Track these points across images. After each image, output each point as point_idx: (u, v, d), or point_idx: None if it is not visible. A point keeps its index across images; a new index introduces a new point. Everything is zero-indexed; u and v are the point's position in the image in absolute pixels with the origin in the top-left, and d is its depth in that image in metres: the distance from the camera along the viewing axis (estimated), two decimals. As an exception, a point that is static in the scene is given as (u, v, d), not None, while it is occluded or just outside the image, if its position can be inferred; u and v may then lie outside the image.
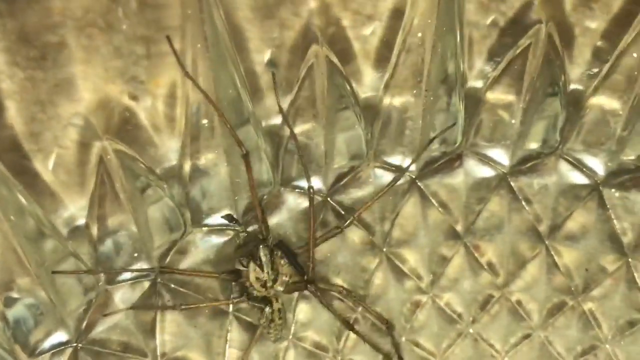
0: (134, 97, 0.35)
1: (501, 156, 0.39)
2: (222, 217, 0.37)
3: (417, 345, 0.40)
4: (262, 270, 0.36)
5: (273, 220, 0.39)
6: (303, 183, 0.38)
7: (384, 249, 0.40)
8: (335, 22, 0.36)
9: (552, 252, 0.40)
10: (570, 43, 0.37)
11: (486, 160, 0.40)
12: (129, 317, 0.38)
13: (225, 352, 0.39)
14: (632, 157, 0.39)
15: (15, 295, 0.35)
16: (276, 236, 0.38)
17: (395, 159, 0.39)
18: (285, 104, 0.37)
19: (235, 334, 0.39)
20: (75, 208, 0.36)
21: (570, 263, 0.40)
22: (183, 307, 0.37)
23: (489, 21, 0.37)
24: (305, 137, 0.38)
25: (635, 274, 0.40)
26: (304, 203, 0.39)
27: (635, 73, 0.36)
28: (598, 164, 0.39)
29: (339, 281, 0.40)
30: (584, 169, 0.40)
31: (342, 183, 0.39)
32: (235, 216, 0.37)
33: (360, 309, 0.40)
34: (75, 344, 0.37)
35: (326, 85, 0.36)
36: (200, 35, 0.32)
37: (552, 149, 0.39)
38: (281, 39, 0.35)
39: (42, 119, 0.34)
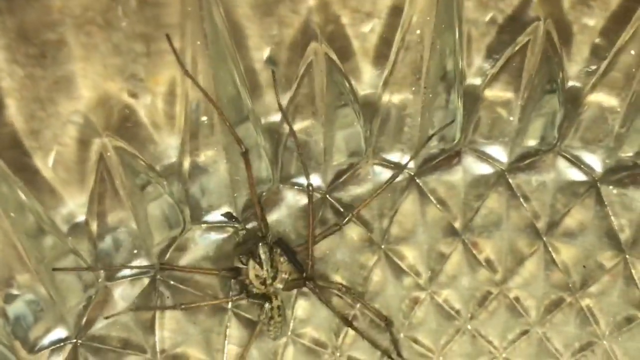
0: (133, 95, 0.35)
1: (499, 153, 0.40)
2: (222, 215, 0.37)
3: (416, 341, 0.40)
4: (262, 268, 0.37)
5: (272, 217, 0.39)
6: (302, 180, 0.38)
7: (383, 246, 0.40)
8: (334, 19, 0.36)
9: (550, 249, 0.40)
10: (568, 40, 0.37)
11: (484, 157, 0.40)
12: (129, 313, 0.38)
13: (224, 348, 0.39)
14: (630, 154, 0.39)
15: (15, 291, 0.35)
16: (275, 234, 0.38)
17: (394, 156, 0.39)
18: (284, 101, 0.37)
19: (234, 330, 0.39)
20: (75, 205, 0.36)
21: (568, 260, 0.40)
22: (183, 306, 0.37)
23: (487, 18, 0.37)
24: (305, 134, 0.38)
25: (633, 271, 0.40)
26: (303, 200, 0.39)
27: (633, 70, 0.36)
28: (596, 161, 0.39)
29: (337, 278, 0.40)
30: (582, 166, 0.40)
31: (341, 180, 0.39)
32: (234, 214, 0.37)
33: (358, 305, 0.40)
34: (74, 340, 0.37)
35: (325, 82, 0.36)
36: (199, 32, 0.32)
37: (550, 146, 0.39)
38: (280, 37, 0.35)
39: (42, 117, 0.34)
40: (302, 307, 0.40)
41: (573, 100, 0.38)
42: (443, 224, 0.40)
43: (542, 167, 0.40)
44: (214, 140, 0.36)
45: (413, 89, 0.37)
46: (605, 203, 0.40)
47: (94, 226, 0.36)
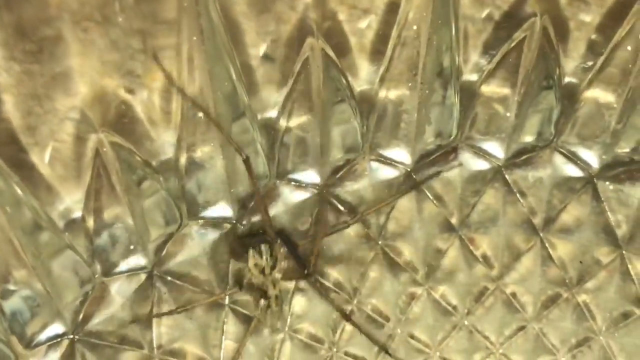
0: (130, 91, 0.35)
1: (496, 149, 0.40)
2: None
3: (412, 337, 0.41)
4: (261, 257, 0.37)
5: (269, 213, 0.39)
6: (298, 176, 0.39)
7: (380, 242, 0.40)
8: (331, 15, 0.36)
9: (547, 245, 0.40)
10: (565, 36, 0.37)
11: (481, 153, 0.40)
12: (126, 309, 0.38)
13: (221, 344, 0.39)
14: (627, 150, 0.39)
15: (11, 287, 0.36)
16: (277, 225, 0.38)
17: (391, 152, 0.39)
18: (281, 98, 0.37)
19: (231, 326, 0.39)
20: (71, 200, 0.36)
21: (564, 255, 0.40)
22: (179, 309, 0.37)
23: (484, 14, 0.37)
24: (301, 130, 0.38)
25: (630, 266, 0.40)
26: (300, 196, 0.39)
27: (630, 66, 0.37)
28: (592, 157, 0.40)
29: (334, 274, 0.40)
30: (579, 162, 0.40)
31: (337, 176, 0.39)
32: None
33: (355, 301, 0.40)
34: (71, 336, 0.37)
35: (322, 78, 0.36)
36: (196, 28, 0.32)
37: (546, 142, 0.40)
38: (277, 33, 0.36)
39: (39, 113, 0.34)
40: (299, 302, 0.40)
41: (570, 97, 0.38)
42: (440, 219, 0.40)
43: (538, 163, 0.40)
44: (210, 136, 0.36)
45: (410, 85, 0.37)
46: (602, 199, 0.40)
47: (90, 222, 0.36)
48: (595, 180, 0.40)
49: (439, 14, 0.35)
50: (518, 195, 0.40)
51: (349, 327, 0.40)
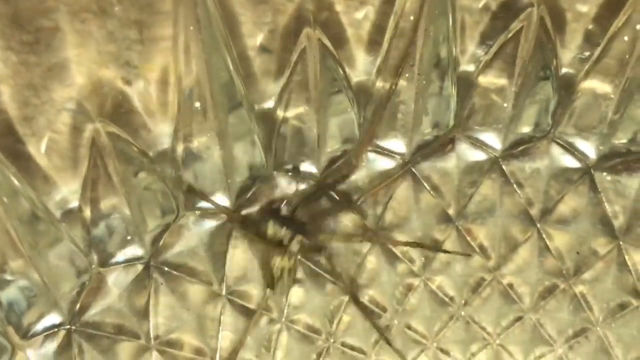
0: (127, 82, 0.35)
1: (493, 140, 0.40)
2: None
3: (409, 327, 0.41)
4: (280, 228, 0.37)
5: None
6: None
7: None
8: (327, 6, 0.36)
9: (544, 236, 0.41)
10: (562, 27, 0.37)
11: (478, 144, 0.40)
12: (123, 300, 0.38)
13: (218, 335, 0.40)
14: (624, 141, 0.40)
15: (8, 277, 0.36)
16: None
17: (388, 143, 0.40)
18: (278, 88, 0.37)
19: (228, 317, 0.40)
20: (68, 191, 0.36)
21: (561, 246, 0.41)
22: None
23: (481, 5, 0.37)
24: (298, 121, 0.38)
25: (626, 257, 0.40)
26: (297, 187, 0.39)
27: (627, 57, 0.37)
28: (589, 148, 0.40)
29: (331, 265, 0.40)
30: (576, 153, 0.40)
31: (334, 167, 0.40)
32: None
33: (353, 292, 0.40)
34: (68, 326, 0.38)
35: (319, 69, 0.36)
36: (192, 17, 0.32)
37: (544, 132, 0.40)
38: (274, 23, 0.36)
39: (36, 103, 0.35)
40: (296, 293, 0.40)
41: (567, 87, 0.39)
42: (437, 210, 0.41)
43: (535, 154, 0.40)
44: (207, 126, 0.36)
45: (407, 75, 0.37)
46: (599, 190, 0.40)
47: (87, 212, 0.37)
48: (592, 171, 0.40)
49: (435, 4, 0.35)
50: (515, 186, 0.40)
51: (345, 318, 0.40)
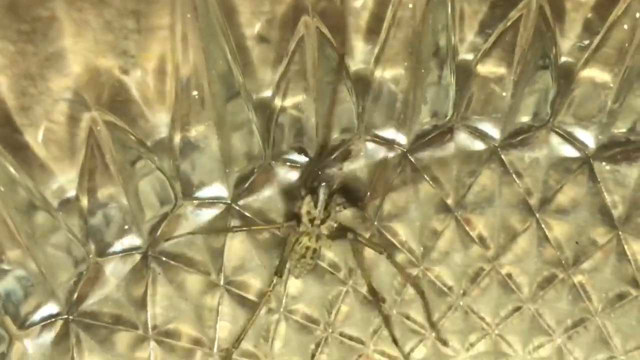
0: (124, 71, 0.35)
1: (492, 129, 0.40)
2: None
3: (408, 318, 0.41)
4: (315, 207, 0.38)
5: (263, 194, 0.40)
6: (293, 156, 0.39)
7: (375, 223, 0.41)
8: (326, -5, 0.36)
9: (543, 225, 0.41)
10: (561, 15, 0.38)
11: (477, 133, 0.40)
12: (120, 289, 0.39)
13: (216, 325, 0.40)
14: (623, 130, 0.40)
15: (5, 267, 0.36)
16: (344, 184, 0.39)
17: (387, 133, 0.40)
18: (276, 77, 0.37)
19: (226, 307, 0.40)
20: (65, 180, 0.36)
21: (560, 236, 0.41)
22: (235, 229, 0.38)
23: (479, -7, 0.38)
24: (296, 110, 0.38)
25: (626, 247, 0.41)
26: (295, 176, 0.40)
27: (626, 45, 0.37)
28: (589, 137, 0.40)
29: (329, 255, 0.40)
30: (575, 142, 0.40)
31: (333, 157, 0.40)
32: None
33: (351, 282, 0.41)
34: (66, 316, 0.38)
35: (317, 57, 0.36)
36: (190, 6, 0.33)
37: (543, 122, 0.40)
38: (272, 12, 0.36)
39: (33, 93, 0.35)
40: (295, 284, 0.41)
41: (566, 76, 0.39)
42: (436, 200, 0.41)
43: (534, 144, 0.40)
44: (205, 115, 0.36)
45: (405, 64, 0.38)
46: (598, 179, 0.40)
47: (84, 202, 0.37)
48: (591, 160, 0.40)
49: (435, -7, 0.35)
50: (514, 175, 0.41)
51: (344, 308, 0.41)
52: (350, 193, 0.39)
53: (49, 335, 0.38)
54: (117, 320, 0.39)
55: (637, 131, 0.40)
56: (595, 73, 0.39)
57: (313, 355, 0.41)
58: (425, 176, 0.41)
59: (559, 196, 0.41)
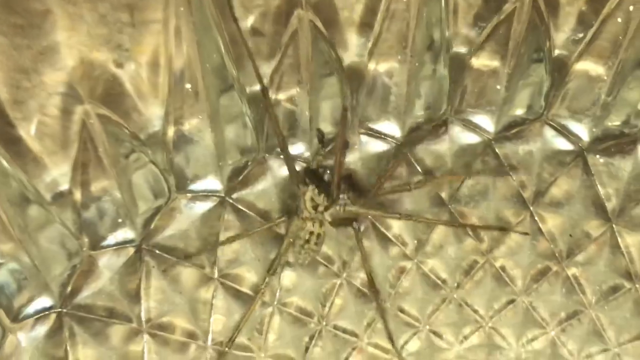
0: (119, 65, 0.36)
1: (486, 122, 0.41)
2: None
3: (402, 311, 0.42)
4: (319, 194, 0.38)
5: (257, 187, 0.40)
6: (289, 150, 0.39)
7: (369, 216, 0.41)
8: (319, -12, 0.36)
9: (537, 218, 0.41)
10: (555, 8, 0.38)
11: (471, 126, 0.41)
12: (114, 283, 0.39)
13: (210, 318, 0.40)
14: (617, 123, 0.40)
15: (-1, 260, 0.36)
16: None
17: (381, 126, 0.40)
18: (269, 70, 0.38)
19: (220, 300, 0.40)
20: (58, 173, 0.37)
21: (554, 229, 0.41)
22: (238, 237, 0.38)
23: (473, -14, 0.38)
24: (290, 103, 0.39)
25: (619, 239, 0.41)
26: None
27: (620, 38, 0.37)
28: (583, 130, 0.40)
29: (323, 248, 0.41)
30: (569, 135, 0.41)
31: (327, 149, 0.40)
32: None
33: (345, 275, 0.41)
34: (59, 309, 0.38)
35: (310, 51, 0.37)
36: (184, -1, 0.33)
37: (537, 115, 0.40)
38: (265, 5, 0.36)
39: (27, 87, 0.35)
40: (289, 276, 0.41)
41: (560, 69, 0.39)
42: (430, 194, 0.41)
43: (529, 137, 0.41)
44: (198, 108, 0.37)
45: (399, 57, 0.38)
46: (592, 172, 0.41)
47: (77, 195, 0.37)
48: (585, 153, 0.41)
49: (428, -14, 0.35)
50: (508, 168, 0.41)
51: (338, 301, 0.41)
52: (354, 183, 0.39)
53: (42, 329, 0.38)
54: (110, 314, 0.39)
55: (631, 124, 0.40)
56: (589, 66, 0.39)
57: (307, 348, 0.41)
58: (420, 169, 0.41)
59: (552, 189, 0.41)
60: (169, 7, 0.34)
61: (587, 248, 0.41)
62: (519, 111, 0.40)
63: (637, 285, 0.41)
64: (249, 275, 0.41)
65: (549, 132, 0.41)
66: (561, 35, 0.38)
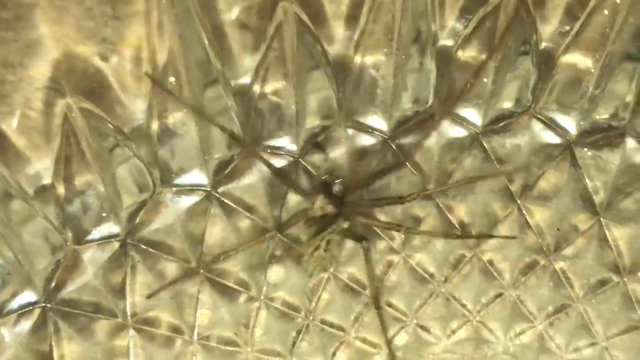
0: (104, 58, 0.36)
1: (474, 116, 0.41)
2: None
3: (390, 305, 0.42)
4: (327, 204, 0.38)
5: (244, 181, 0.40)
6: (273, 143, 0.40)
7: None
8: (303, -20, 0.36)
9: (524, 212, 0.41)
10: (541, 0, 0.38)
11: (459, 120, 0.41)
12: (99, 277, 0.39)
13: (196, 312, 0.40)
14: (605, 116, 0.40)
15: (-19, 255, 0.36)
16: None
17: (368, 119, 0.40)
18: (254, 63, 0.38)
19: (206, 295, 0.40)
20: (41, 167, 0.37)
21: (542, 222, 0.41)
22: (222, 257, 0.39)
23: (459, -22, 0.38)
24: (276, 97, 0.39)
25: (607, 233, 0.41)
26: (275, 163, 0.40)
27: (607, 30, 0.37)
28: (570, 123, 0.41)
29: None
30: (557, 128, 0.41)
31: (314, 143, 0.40)
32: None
33: (332, 269, 0.41)
34: (44, 304, 0.38)
35: (295, 43, 0.37)
36: (165, -9, 0.33)
37: (524, 108, 0.40)
38: (250, -1, 0.36)
39: (12, 81, 0.35)
40: (275, 271, 0.41)
41: (547, 62, 0.39)
42: (418, 187, 0.41)
43: (516, 130, 0.41)
44: (182, 102, 0.37)
45: (385, 50, 0.38)
46: (580, 165, 0.41)
47: (60, 189, 0.37)
48: (573, 146, 0.41)
49: (414, -23, 0.35)
50: (496, 162, 0.41)
51: (325, 295, 0.41)
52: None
53: (26, 324, 0.38)
54: (95, 309, 0.39)
55: (619, 117, 0.40)
56: (576, 59, 0.39)
57: (294, 343, 0.41)
58: (407, 163, 0.41)
59: (540, 182, 0.41)
60: (151, 0, 0.33)
61: (575, 242, 0.41)
62: (507, 104, 0.40)
63: (625, 279, 0.41)
64: (235, 270, 0.41)
65: (536, 125, 0.41)
66: (548, 28, 0.39)
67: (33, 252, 0.37)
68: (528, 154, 0.41)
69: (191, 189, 0.40)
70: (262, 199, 0.40)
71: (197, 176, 0.40)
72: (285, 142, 0.40)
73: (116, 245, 0.39)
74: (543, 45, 0.39)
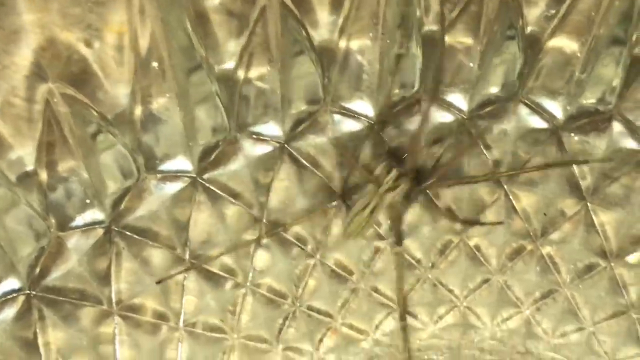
0: (88, 44, 0.36)
1: (460, 101, 0.41)
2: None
3: (376, 291, 0.42)
4: (387, 174, 0.38)
5: (230, 167, 0.40)
6: (258, 129, 0.40)
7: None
8: (287, -36, 0.36)
9: (511, 197, 0.41)
10: None
11: (445, 105, 0.41)
12: (83, 264, 0.39)
13: (181, 299, 0.41)
14: (592, 101, 0.40)
15: (-36, 242, 0.36)
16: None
17: (354, 104, 0.40)
18: (238, 48, 0.38)
19: (191, 282, 0.41)
20: (23, 153, 0.37)
21: (528, 207, 0.42)
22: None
23: (444, -38, 0.37)
24: (261, 82, 0.39)
25: (594, 218, 0.41)
26: (261, 149, 0.40)
27: (593, 14, 0.37)
28: (557, 108, 0.41)
29: (297, 228, 0.41)
30: (543, 113, 0.41)
31: (300, 129, 0.40)
32: None
33: (319, 255, 0.41)
34: (28, 292, 0.39)
35: (279, 28, 0.37)
36: (146, -25, 0.33)
37: (511, 93, 0.41)
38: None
39: None
40: (262, 257, 0.41)
41: (533, 46, 0.39)
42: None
43: (503, 115, 0.41)
44: (166, 87, 0.37)
45: (371, 35, 0.38)
46: (567, 150, 0.41)
47: (43, 175, 0.37)
48: (560, 131, 0.41)
49: (398, -39, 0.35)
50: (482, 147, 0.41)
51: (312, 281, 0.41)
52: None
53: (10, 311, 0.38)
54: (80, 296, 0.39)
55: (606, 101, 0.40)
56: (562, 43, 0.39)
57: (280, 329, 0.42)
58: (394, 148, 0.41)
59: (527, 167, 0.41)
60: (133, -16, 0.34)
61: (561, 227, 0.42)
62: (493, 89, 0.41)
63: (612, 264, 0.41)
64: (222, 257, 0.41)
65: (523, 110, 0.41)
66: (534, 12, 0.39)
67: (16, 239, 0.37)
68: (515, 139, 0.41)
69: (176, 175, 0.40)
70: (248, 185, 0.40)
71: (182, 162, 0.40)
72: (270, 127, 0.40)
73: (100, 232, 0.39)
74: (529, 29, 0.39)
